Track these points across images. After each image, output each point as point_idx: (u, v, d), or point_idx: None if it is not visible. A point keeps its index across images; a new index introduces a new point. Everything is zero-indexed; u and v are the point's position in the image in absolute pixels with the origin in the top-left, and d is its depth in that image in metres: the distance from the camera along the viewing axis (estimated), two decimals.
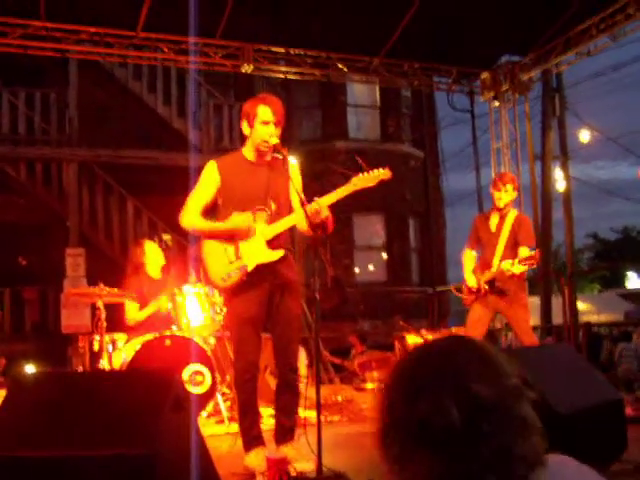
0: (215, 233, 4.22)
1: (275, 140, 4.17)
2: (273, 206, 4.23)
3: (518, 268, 5.61)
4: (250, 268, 4.13)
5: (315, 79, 10.76)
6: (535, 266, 5.71)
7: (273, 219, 4.22)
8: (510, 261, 5.63)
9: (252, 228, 4.16)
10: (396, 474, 1.27)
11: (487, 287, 5.87)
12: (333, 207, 4.15)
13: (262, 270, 4.16)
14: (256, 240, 4.17)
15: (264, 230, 4.19)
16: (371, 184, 4.19)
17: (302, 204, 3.99)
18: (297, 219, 4.15)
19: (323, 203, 4.06)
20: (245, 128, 4.27)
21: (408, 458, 1.25)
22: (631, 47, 11.10)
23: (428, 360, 1.33)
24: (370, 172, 4.17)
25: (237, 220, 4.14)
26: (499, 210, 6.01)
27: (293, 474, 3.31)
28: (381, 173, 4.20)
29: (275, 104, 4.20)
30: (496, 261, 5.88)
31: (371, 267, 16.98)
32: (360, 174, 4.16)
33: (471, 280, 6.01)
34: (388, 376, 1.38)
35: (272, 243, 4.20)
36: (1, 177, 11.85)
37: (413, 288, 16.74)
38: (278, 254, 4.19)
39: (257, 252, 4.16)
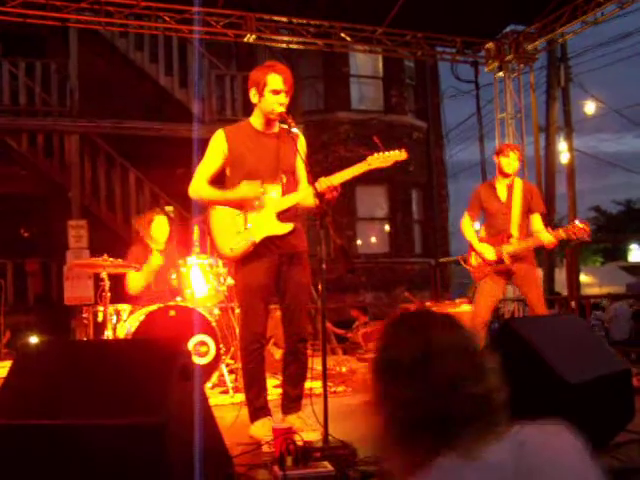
0: (223, 202, 4.19)
1: (282, 109, 4.12)
2: (284, 178, 4.21)
3: (553, 239, 5.57)
4: (258, 239, 4.11)
5: (318, 49, 10.66)
6: (588, 238, 5.61)
7: (284, 191, 4.19)
8: (550, 233, 5.56)
9: (261, 198, 4.12)
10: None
11: (509, 261, 5.75)
12: None
13: (271, 241, 4.14)
14: (266, 212, 4.14)
15: (275, 202, 4.16)
16: (386, 165, 4.15)
17: (310, 182, 3.95)
18: (306, 195, 4.10)
19: (337, 180, 4.02)
20: (253, 96, 4.21)
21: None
22: (637, 15, 10.95)
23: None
24: (386, 152, 4.13)
25: (246, 189, 4.10)
26: (506, 176, 5.92)
27: (299, 443, 3.30)
28: (396, 154, 4.15)
29: (285, 72, 4.15)
30: (514, 231, 5.77)
31: (374, 239, 16.96)
32: (375, 153, 4.12)
33: (489, 253, 5.83)
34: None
35: (282, 215, 4.17)
36: (2, 148, 11.78)
37: (416, 260, 16.73)
38: (288, 227, 4.17)
39: (266, 224, 4.13)
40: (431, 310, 1.58)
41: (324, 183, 3.98)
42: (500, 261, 5.78)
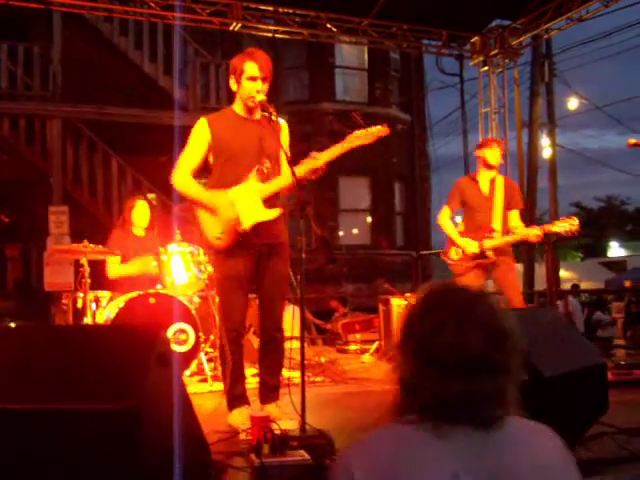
0: (199, 203, 4.16)
1: (261, 97, 4.11)
2: (268, 164, 4.19)
3: (539, 232, 5.62)
4: (248, 227, 4.09)
5: (303, 39, 10.65)
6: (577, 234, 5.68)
7: (268, 177, 4.18)
8: (537, 228, 5.62)
9: (234, 216, 4.10)
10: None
11: (492, 255, 5.77)
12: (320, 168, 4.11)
13: (252, 230, 4.13)
14: (253, 199, 4.12)
15: (261, 188, 4.14)
16: (368, 141, 4.12)
17: (289, 163, 3.94)
18: (289, 179, 4.10)
19: (321, 161, 4.02)
20: (233, 84, 4.22)
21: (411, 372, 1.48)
22: (622, 14, 11.00)
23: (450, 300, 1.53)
24: (367, 129, 4.11)
25: (221, 202, 4.09)
26: (490, 169, 5.96)
27: (277, 432, 3.31)
28: (379, 130, 4.13)
29: (262, 59, 4.13)
30: (497, 226, 5.79)
31: (355, 230, 16.99)
32: (356, 131, 4.11)
33: (471, 246, 5.83)
34: (413, 305, 1.56)
35: (267, 202, 4.16)
36: None
37: (397, 252, 16.78)
38: (275, 212, 4.16)
39: (254, 211, 4.11)
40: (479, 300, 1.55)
41: (309, 165, 3.99)
42: (482, 255, 5.79)
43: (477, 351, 1.42)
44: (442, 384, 1.41)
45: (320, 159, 4.03)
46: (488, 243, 5.77)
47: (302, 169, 4.01)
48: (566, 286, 19.04)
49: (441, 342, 1.43)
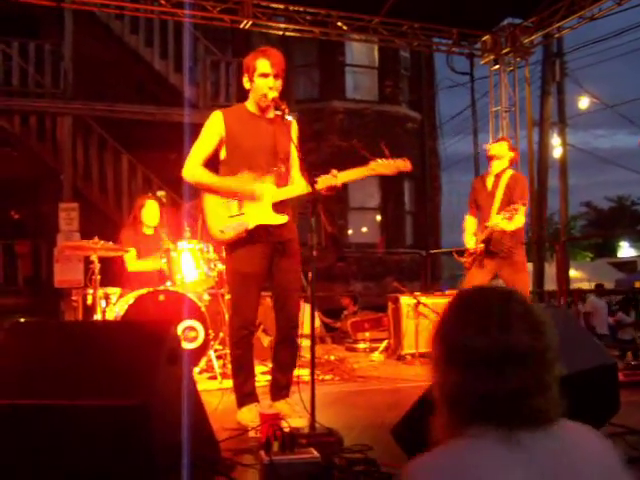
0: (220, 188, 4.14)
1: (274, 94, 4.10)
2: (283, 168, 4.18)
3: (508, 224, 5.56)
4: (251, 226, 4.09)
5: (314, 37, 10.63)
6: (515, 216, 5.66)
7: (281, 180, 4.17)
8: (499, 216, 5.59)
9: (258, 194, 4.09)
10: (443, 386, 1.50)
11: (482, 246, 5.82)
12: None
13: (263, 229, 4.12)
14: (264, 200, 4.11)
15: (272, 192, 4.13)
16: (389, 172, 4.12)
17: (303, 169, 3.92)
18: (304, 189, 4.08)
19: (339, 180, 4.00)
20: (246, 82, 4.21)
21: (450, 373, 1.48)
22: (634, 12, 10.92)
23: (482, 301, 1.52)
24: (390, 160, 4.09)
25: (245, 182, 4.08)
26: (492, 159, 6.01)
27: (286, 430, 3.31)
28: (400, 164, 4.12)
29: (274, 57, 4.13)
30: (489, 221, 5.84)
31: (365, 229, 16.96)
32: (379, 160, 4.09)
33: (470, 242, 5.98)
34: (447, 306, 1.56)
35: (277, 206, 4.15)
36: None
37: (406, 250, 16.75)
38: (282, 219, 4.15)
39: (262, 212, 4.11)
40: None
41: (326, 182, 3.97)
42: (475, 251, 5.89)
43: (520, 344, 1.43)
44: (487, 383, 1.41)
45: (339, 178, 4.01)
46: (479, 238, 5.90)
47: (320, 185, 3.97)
48: (575, 285, 18.97)
49: (485, 341, 1.43)
